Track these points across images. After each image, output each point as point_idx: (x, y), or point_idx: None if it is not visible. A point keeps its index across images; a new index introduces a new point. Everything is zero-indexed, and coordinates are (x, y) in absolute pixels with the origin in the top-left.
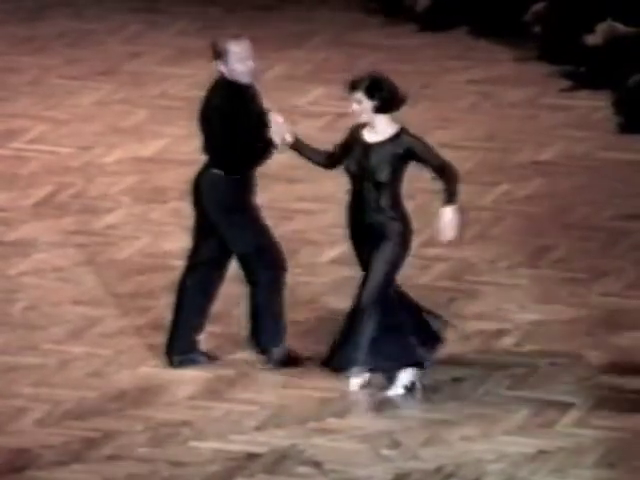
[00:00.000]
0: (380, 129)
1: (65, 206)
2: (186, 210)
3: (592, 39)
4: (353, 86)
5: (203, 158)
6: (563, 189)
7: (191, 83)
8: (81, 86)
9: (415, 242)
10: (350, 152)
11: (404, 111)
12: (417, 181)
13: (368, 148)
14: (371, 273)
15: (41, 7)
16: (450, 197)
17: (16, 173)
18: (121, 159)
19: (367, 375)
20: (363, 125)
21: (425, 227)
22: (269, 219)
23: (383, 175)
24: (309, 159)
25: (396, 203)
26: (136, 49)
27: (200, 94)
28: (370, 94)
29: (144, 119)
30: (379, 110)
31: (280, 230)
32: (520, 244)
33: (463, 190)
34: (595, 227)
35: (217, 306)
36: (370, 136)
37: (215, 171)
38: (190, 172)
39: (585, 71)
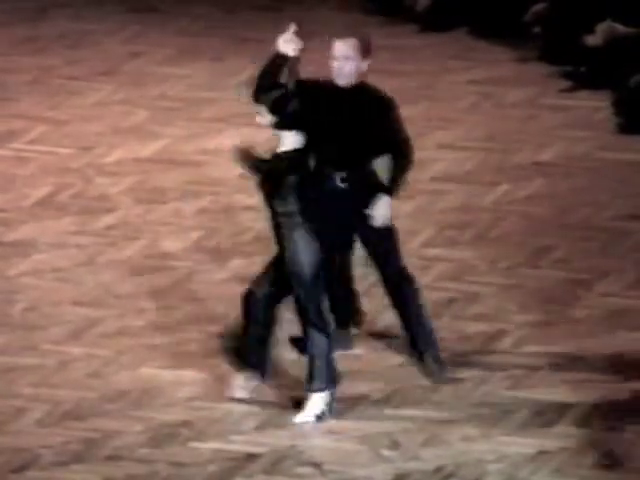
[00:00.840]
0: (284, 141)
1: (65, 206)
2: (186, 210)
3: (592, 39)
4: (256, 99)
5: (204, 158)
6: (563, 189)
7: (191, 83)
8: (81, 87)
9: (415, 242)
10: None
11: (405, 111)
12: (416, 182)
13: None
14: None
15: (41, 8)
16: None
17: (16, 173)
18: (121, 159)
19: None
20: None
21: (425, 228)
22: (269, 220)
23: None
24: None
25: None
26: (136, 49)
27: (200, 94)
28: (272, 110)
29: (144, 119)
30: (278, 126)
31: None
32: (520, 244)
33: (463, 190)
34: (595, 227)
35: (217, 307)
36: (280, 145)
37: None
38: (190, 172)
39: (585, 71)
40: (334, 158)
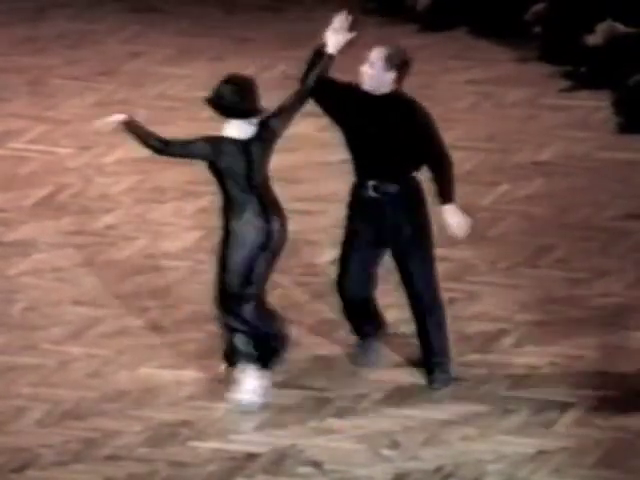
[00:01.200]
0: (226, 128)
1: (64, 206)
2: (186, 210)
3: (592, 39)
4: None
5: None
6: (563, 189)
7: (191, 83)
8: (81, 86)
9: None
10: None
11: None
12: None
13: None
14: None
15: (41, 8)
16: None
17: (16, 173)
18: (121, 159)
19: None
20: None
21: None
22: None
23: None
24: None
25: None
26: (136, 49)
27: (199, 94)
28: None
29: (144, 119)
30: (214, 109)
31: None
32: (520, 244)
33: (463, 190)
34: (595, 227)
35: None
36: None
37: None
38: (190, 172)
39: (585, 71)
40: (366, 166)
